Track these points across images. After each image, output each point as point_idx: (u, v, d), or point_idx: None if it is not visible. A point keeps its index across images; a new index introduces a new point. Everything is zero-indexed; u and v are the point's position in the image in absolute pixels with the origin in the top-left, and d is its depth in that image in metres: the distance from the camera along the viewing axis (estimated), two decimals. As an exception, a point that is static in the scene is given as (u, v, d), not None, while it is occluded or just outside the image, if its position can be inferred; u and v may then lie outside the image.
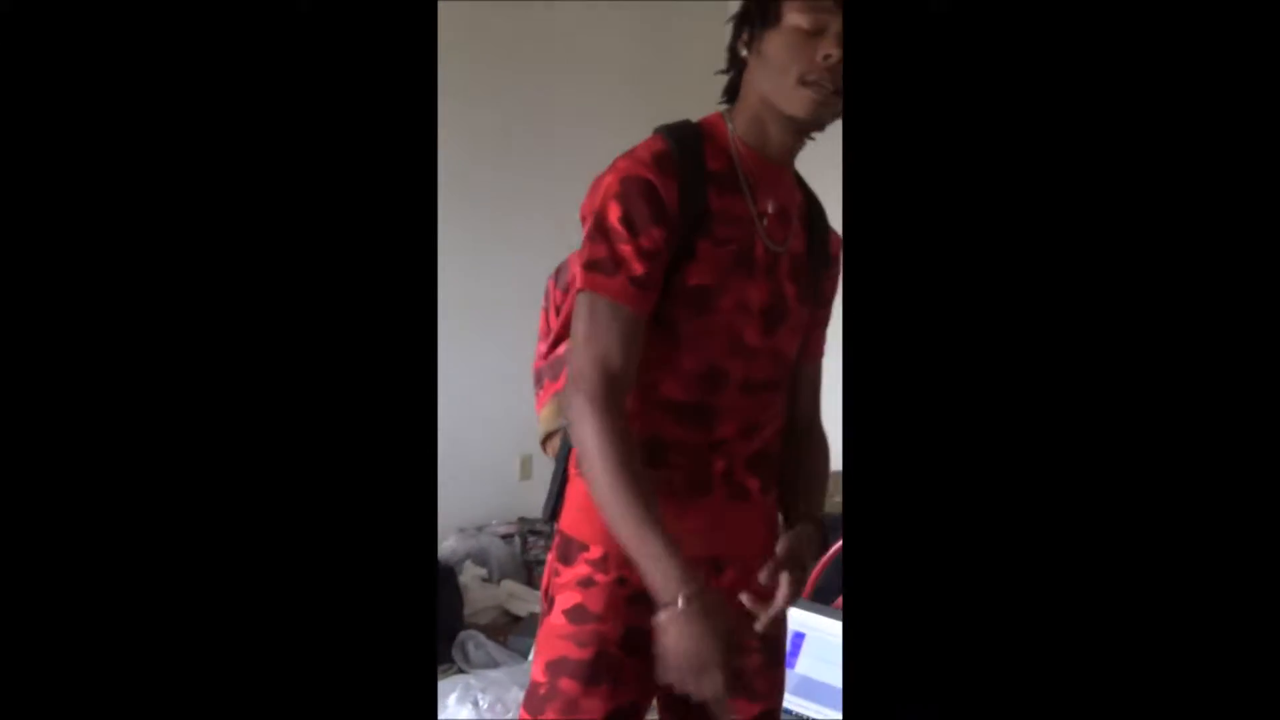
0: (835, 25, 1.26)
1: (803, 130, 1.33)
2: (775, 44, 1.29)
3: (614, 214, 1.27)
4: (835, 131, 1.20)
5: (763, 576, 1.25)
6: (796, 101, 1.28)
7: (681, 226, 1.28)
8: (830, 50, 1.25)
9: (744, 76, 1.35)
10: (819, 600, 2.38)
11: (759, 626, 1.24)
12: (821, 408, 1.49)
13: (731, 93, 1.38)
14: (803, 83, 1.27)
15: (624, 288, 1.27)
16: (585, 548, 1.35)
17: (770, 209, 1.36)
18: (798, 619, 2.27)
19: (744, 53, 1.34)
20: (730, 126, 1.36)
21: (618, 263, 1.27)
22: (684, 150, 1.30)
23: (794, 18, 1.28)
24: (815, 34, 1.26)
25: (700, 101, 1.47)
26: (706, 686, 1.19)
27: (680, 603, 1.18)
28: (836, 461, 1.54)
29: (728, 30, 1.36)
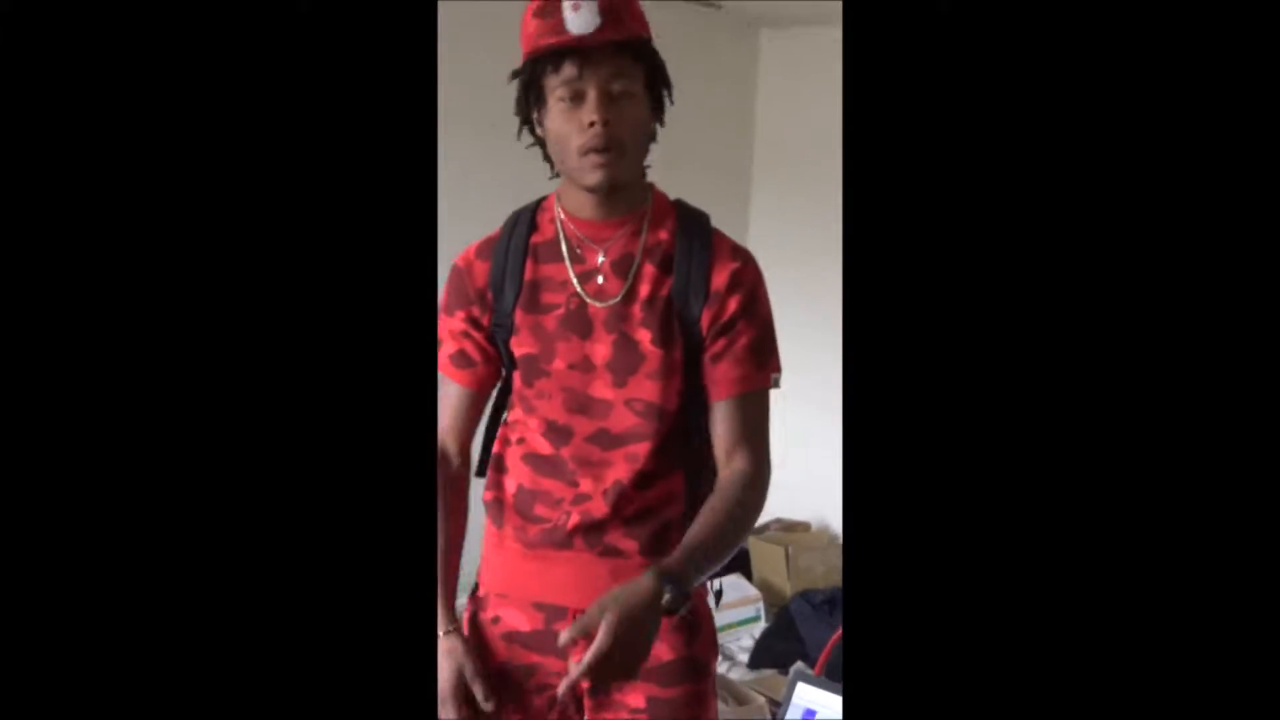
0: (591, 89, 1.33)
1: (601, 193, 1.40)
2: (550, 122, 1.38)
3: (440, 299, 1.48)
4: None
5: (561, 637, 1.22)
6: (584, 173, 1.38)
7: (496, 302, 1.43)
8: (592, 117, 1.33)
9: (548, 152, 1.45)
10: (830, 678, 2.32)
11: (559, 692, 1.24)
12: (757, 441, 1.44)
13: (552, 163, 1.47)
14: (581, 153, 1.36)
15: (445, 363, 1.50)
16: (476, 585, 1.53)
17: (602, 264, 1.42)
18: (807, 697, 2.21)
19: (538, 130, 1.42)
20: (557, 198, 1.47)
21: (440, 341, 1.50)
22: (511, 231, 1.45)
23: (555, 93, 1.36)
24: (576, 102, 1.34)
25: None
26: (445, 714, 1.39)
27: (440, 637, 1.41)
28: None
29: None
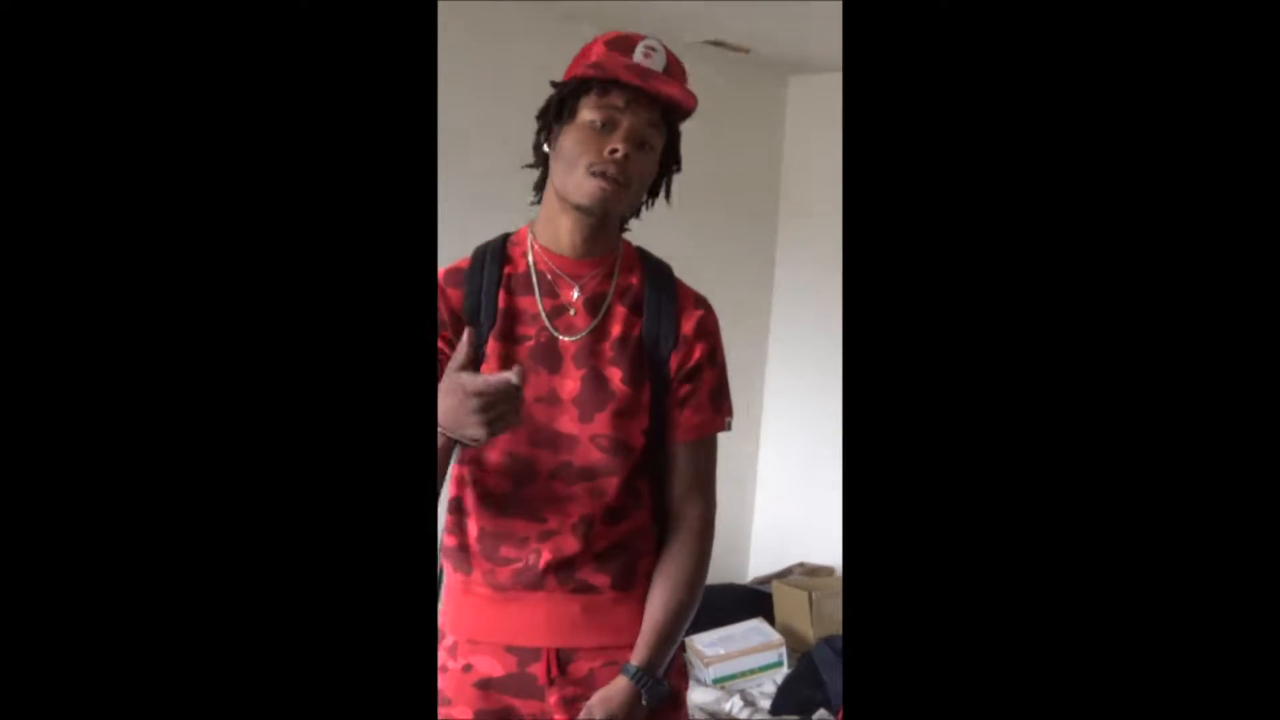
0: (626, 123, 1.38)
1: (590, 218, 1.41)
2: (570, 138, 1.40)
3: None
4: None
5: None
6: (584, 190, 1.39)
7: (469, 329, 1.36)
8: (618, 145, 1.37)
9: (547, 173, 1.46)
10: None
11: None
12: (709, 483, 1.51)
13: (540, 188, 1.49)
14: (590, 173, 1.38)
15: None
16: (442, 635, 1.48)
17: (574, 300, 1.45)
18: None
19: (545, 148, 1.45)
20: (530, 232, 1.49)
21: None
22: (484, 261, 1.46)
23: (587, 114, 1.39)
24: (606, 129, 1.38)
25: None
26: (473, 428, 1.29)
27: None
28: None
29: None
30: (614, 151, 1.37)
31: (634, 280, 1.49)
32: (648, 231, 1.63)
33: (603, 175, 1.38)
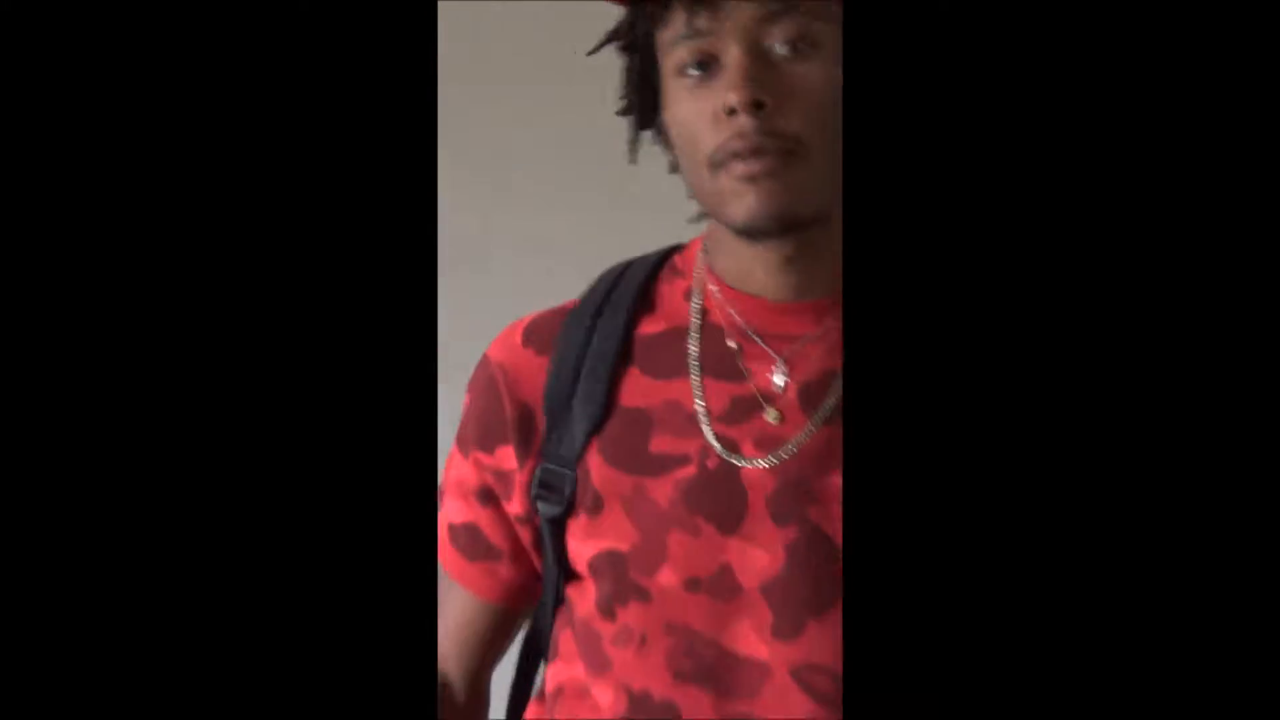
0: (733, 49, 0.73)
1: (770, 239, 0.77)
2: (671, 109, 0.78)
3: (461, 420, 0.88)
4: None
5: None
6: (725, 199, 0.75)
7: (551, 438, 0.81)
8: (731, 96, 0.72)
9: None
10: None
11: None
12: None
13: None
14: (716, 162, 0.74)
15: (444, 546, 0.88)
16: None
17: (783, 388, 0.79)
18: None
19: (664, 131, 0.81)
20: (703, 252, 0.84)
21: (440, 495, 0.89)
22: (601, 305, 0.83)
23: (673, 59, 0.75)
24: (706, 75, 0.74)
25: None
26: None
27: None
28: None
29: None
30: (731, 111, 0.72)
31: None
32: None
33: (736, 157, 0.73)
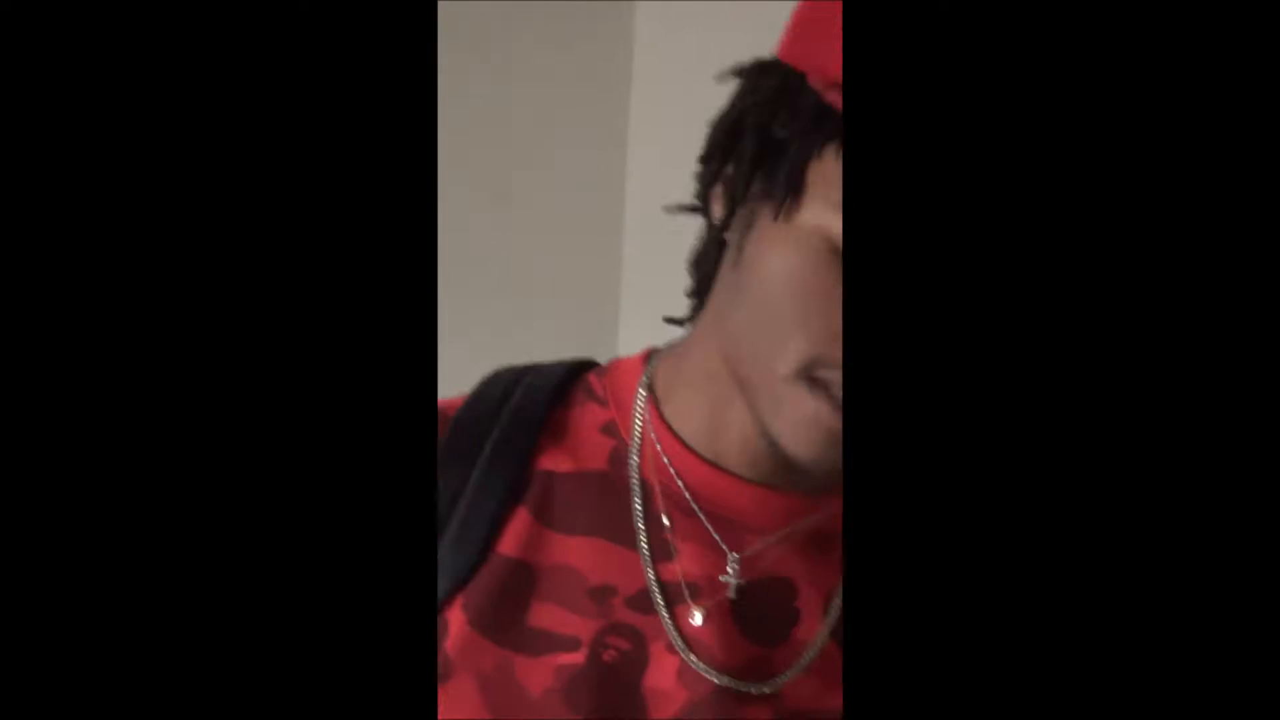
0: None
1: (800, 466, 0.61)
2: (776, 259, 0.59)
3: None
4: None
5: None
6: (787, 418, 0.60)
7: None
8: None
9: (713, 291, 0.65)
10: None
11: None
12: None
13: (700, 293, 0.67)
14: (808, 379, 0.59)
15: None
16: None
17: (732, 576, 0.64)
18: None
19: (724, 243, 0.63)
20: (644, 393, 0.67)
21: None
22: (483, 423, 0.66)
23: (824, 211, 0.58)
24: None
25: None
26: None
27: None
28: None
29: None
30: None
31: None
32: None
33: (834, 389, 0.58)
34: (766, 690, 0.62)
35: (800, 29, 0.60)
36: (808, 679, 0.63)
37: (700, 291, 0.66)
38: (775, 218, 0.58)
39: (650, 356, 0.68)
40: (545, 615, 0.62)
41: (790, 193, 0.58)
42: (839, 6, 0.56)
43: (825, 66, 0.58)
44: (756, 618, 0.63)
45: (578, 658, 0.61)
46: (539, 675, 0.61)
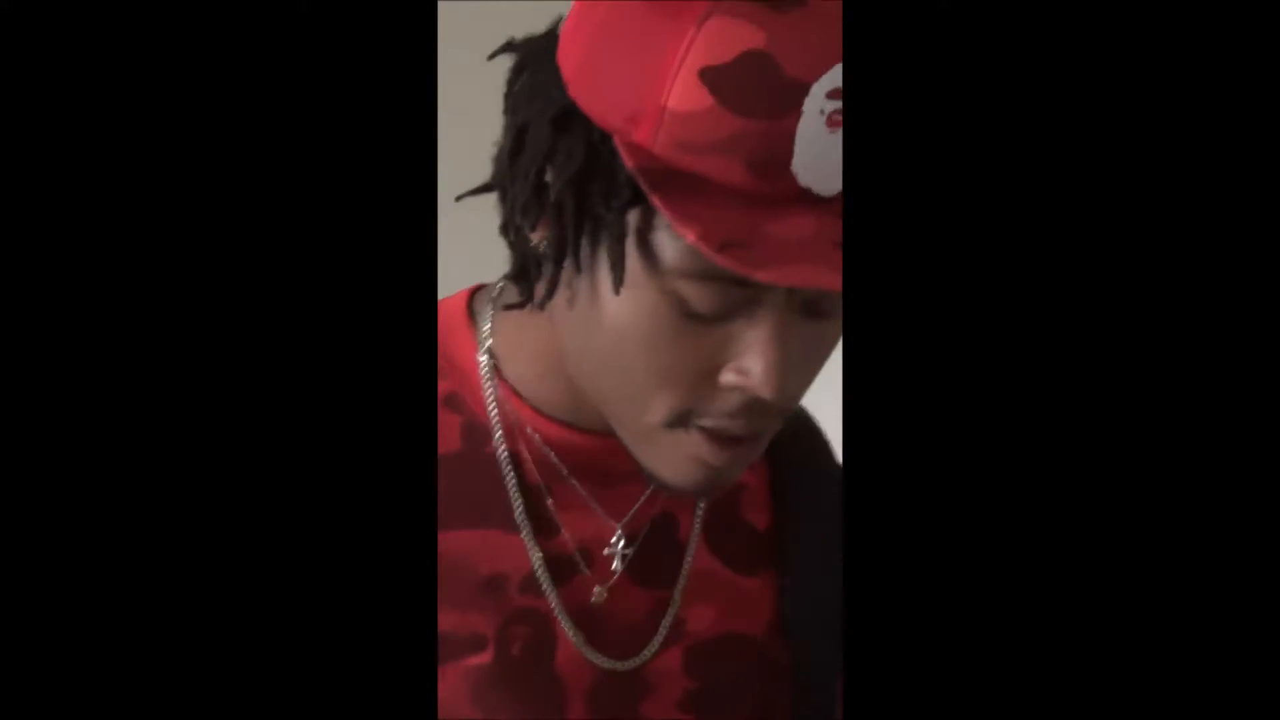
0: (766, 326, 0.54)
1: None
2: (627, 326, 0.55)
3: None
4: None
5: None
6: (661, 456, 0.57)
7: None
8: (760, 360, 0.53)
9: (549, 307, 0.59)
10: None
11: None
12: None
13: (520, 282, 0.60)
14: (671, 423, 0.56)
15: None
16: None
17: (614, 547, 0.63)
18: None
19: (536, 244, 0.58)
20: (488, 358, 0.64)
21: None
22: None
23: (675, 266, 0.53)
24: (721, 318, 0.54)
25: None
26: None
27: None
28: None
29: None
30: (742, 374, 0.54)
31: (750, 477, 0.67)
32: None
33: (712, 441, 0.56)
34: (664, 635, 0.62)
35: (588, 59, 0.54)
36: (706, 608, 0.63)
37: (527, 287, 0.59)
38: (616, 292, 0.53)
39: (472, 304, 0.64)
40: (443, 619, 0.59)
41: (621, 276, 0.53)
42: (623, 22, 0.53)
43: (628, 129, 0.52)
44: (652, 567, 0.63)
45: (485, 657, 0.59)
46: (451, 682, 0.59)
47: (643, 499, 0.63)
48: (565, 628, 0.60)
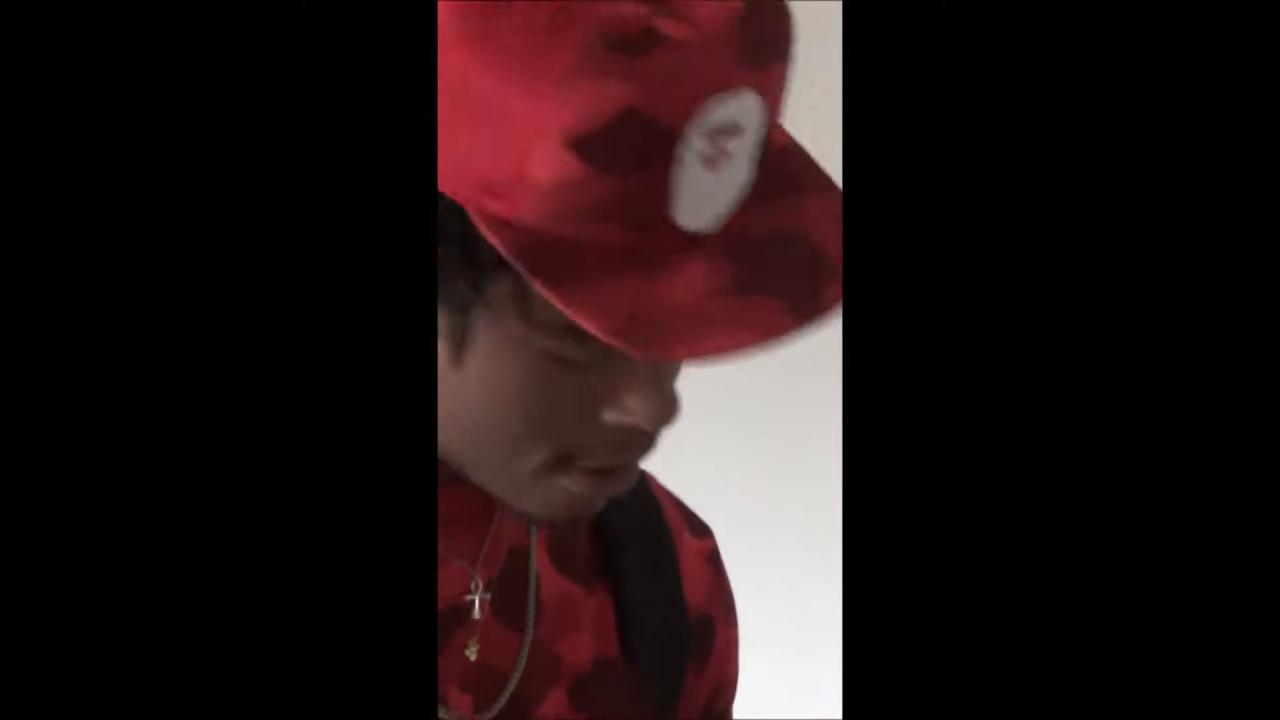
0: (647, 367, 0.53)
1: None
2: (503, 383, 0.54)
3: None
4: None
5: None
6: (530, 491, 0.56)
7: None
8: (645, 403, 0.53)
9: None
10: None
11: None
12: None
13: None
14: (554, 463, 0.55)
15: None
16: None
17: (474, 602, 0.61)
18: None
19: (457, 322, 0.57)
20: None
21: None
22: None
23: (534, 311, 0.52)
24: (598, 366, 0.53)
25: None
26: None
27: None
28: None
29: None
30: (627, 411, 0.54)
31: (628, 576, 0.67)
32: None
33: (591, 477, 0.56)
34: (521, 671, 0.61)
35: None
36: (576, 637, 0.63)
37: None
38: (452, 364, 0.55)
39: None
40: None
41: (458, 348, 0.55)
42: (461, 85, 0.53)
43: (483, 201, 0.52)
44: (516, 605, 0.62)
45: None
46: None
47: (489, 535, 0.61)
48: (453, 693, 0.59)
